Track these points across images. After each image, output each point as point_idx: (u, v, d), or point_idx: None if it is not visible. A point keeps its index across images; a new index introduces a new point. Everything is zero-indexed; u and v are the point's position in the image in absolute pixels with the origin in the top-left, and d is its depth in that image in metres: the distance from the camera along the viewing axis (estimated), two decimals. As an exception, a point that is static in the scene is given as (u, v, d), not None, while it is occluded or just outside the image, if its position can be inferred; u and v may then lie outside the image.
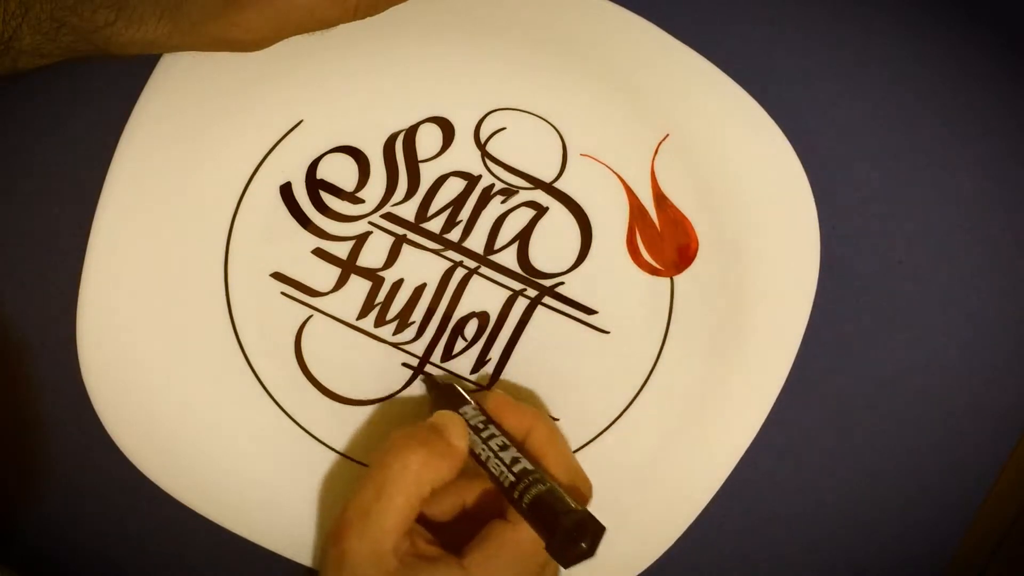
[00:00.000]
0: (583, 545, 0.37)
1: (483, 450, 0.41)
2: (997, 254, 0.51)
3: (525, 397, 0.47)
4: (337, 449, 0.46)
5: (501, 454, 0.41)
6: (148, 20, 0.41)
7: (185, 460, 0.45)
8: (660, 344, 0.48)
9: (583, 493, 0.42)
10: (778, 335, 0.48)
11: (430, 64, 0.47)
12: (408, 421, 0.46)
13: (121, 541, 0.47)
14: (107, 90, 0.46)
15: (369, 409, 0.46)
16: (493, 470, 0.41)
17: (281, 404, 0.46)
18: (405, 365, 0.47)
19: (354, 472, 0.46)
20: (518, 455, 0.41)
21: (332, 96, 0.46)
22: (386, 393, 0.47)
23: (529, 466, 0.40)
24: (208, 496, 0.45)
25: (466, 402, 0.43)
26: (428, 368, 0.47)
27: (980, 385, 0.50)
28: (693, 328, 0.48)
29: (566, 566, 0.38)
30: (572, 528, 0.37)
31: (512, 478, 0.40)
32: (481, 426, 0.42)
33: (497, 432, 0.42)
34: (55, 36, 0.40)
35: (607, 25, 0.48)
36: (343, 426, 0.46)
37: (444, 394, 0.45)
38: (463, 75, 0.47)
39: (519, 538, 0.40)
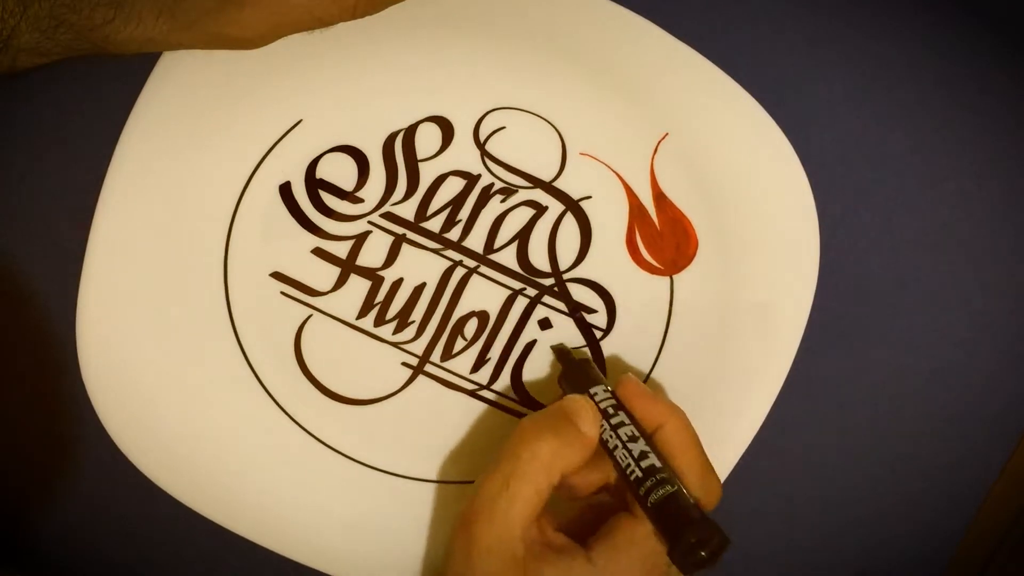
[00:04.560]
0: (704, 555, 0.37)
1: (611, 437, 0.40)
2: (997, 254, 0.51)
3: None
4: (337, 448, 0.46)
5: (629, 445, 0.40)
6: (147, 18, 0.40)
7: (185, 460, 0.45)
8: (660, 343, 0.48)
9: (711, 498, 0.41)
10: (778, 335, 0.48)
11: (429, 63, 0.47)
12: (407, 421, 0.47)
13: (121, 541, 0.47)
14: (107, 90, 0.46)
15: (369, 408, 0.46)
16: (620, 460, 0.40)
17: (281, 403, 0.46)
18: (405, 364, 0.47)
19: (354, 472, 0.46)
20: (647, 449, 0.40)
21: (331, 95, 0.46)
22: (386, 392, 0.47)
23: (657, 463, 0.39)
24: (208, 496, 0.45)
25: (598, 382, 0.42)
26: (428, 367, 0.47)
27: (980, 385, 0.50)
28: (692, 327, 0.48)
29: (686, 574, 0.38)
30: (696, 540, 0.37)
31: (639, 473, 0.39)
32: (611, 411, 0.41)
33: (627, 420, 0.41)
34: (54, 34, 0.40)
35: (606, 24, 0.48)
36: (342, 425, 0.46)
37: (576, 370, 0.44)
38: (462, 74, 0.47)
39: (646, 535, 0.40)
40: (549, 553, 0.40)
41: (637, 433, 0.40)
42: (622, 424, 0.41)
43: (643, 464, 0.39)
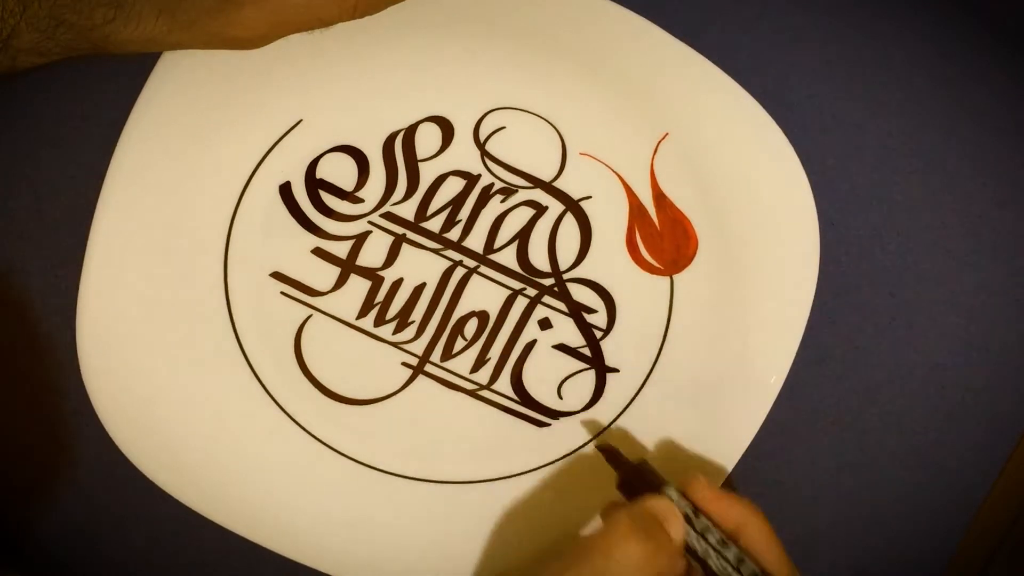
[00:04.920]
0: None
1: (699, 544, 0.38)
2: (997, 254, 0.51)
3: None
4: (336, 448, 0.46)
5: (723, 551, 0.38)
6: (146, 18, 0.40)
7: (185, 459, 0.45)
8: (660, 343, 0.48)
9: None
10: (778, 335, 0.48)
11: (429, 63, 0.47)
12: (407, 421, 0.47)
13: (121, 541, 0.47)
14: (107, 90, 0.46)
15: (369, 408, 0.46)
16: (715, 568, 0.38)
17: (281, 403, 0.46)
18: (405, 364, 0.47)
19: (354, 471, 0.46)
20: (742, 555, 0.38)
21: (331, 96, 0.46)
22: (386, 392, 0.47)
23: (758, 568, 0.38)
24: (208, 495, 0.45)
25: (663, 483, 0.40)
26: (428, 367, 0.47)
27: (980, 385, 0.50)
28: (693, 327, 0.48)
29: None
30: None
31: None
32: (691, 515, 0.39)
33: (710, 524, 0.39)
34: (53, 34, 0.40)
35: (606, 24, 0.48)
36: (342, 425, 0.46)
37: (637, 475, 0.42)
38: (462, 74, 0.47)
39: None
40: None
41: (726, 537, 0.39)
42: (707, 529, 0.39)
43: (744, 571, 0.38)
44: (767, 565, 0.39)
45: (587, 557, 0.38)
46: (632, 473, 0.42)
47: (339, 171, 0.47)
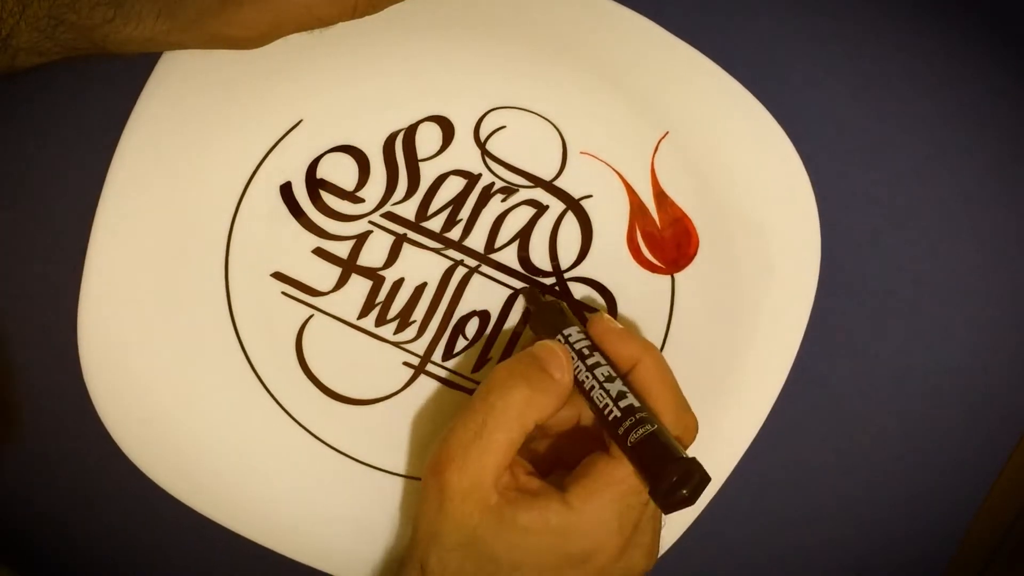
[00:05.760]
0: (685, 493, 0.37)
1: (587, 378, 0.40)
2: (997, 254, 0.51)
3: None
4: (338, 448, 0.46)
5: (607, 385, 0.40)
6: (146, 17, 0.40)
7: (185, 460, 0.45)
8: (661, 342, 0.48)
9: (689, 435, 0.41)
10: (778, 334, 0.48)
11: (429, 62, 0.47)
12: (409, 421, 0.47)
13: (121, 541, 0.47)
14: (107, 90, 0.46)
15: (370, 408, 0.46)
16: (597, 401, 0.40)
17: (282, 403, 0.46)
18: (406, 364, 0.47)
19: (356, 471, 0.46)
20: (625, 389, 0.40)
21: (331, 95, 0.46)
22: (387, 392, 0.47)
23: (636, 402, 0.39)
24: (209, 495, 0.45)
25: (571, 324, 0.42)
26: (430, 367, 0.47)
27: (980, 385, 0.50)
28: (694, 326, 0.48)
29: (667, 512, 0.38)
30: (678, 478, 0.37)
31: (618, 413, 0.39)
32: (586, 352, 0.41)
33: (603, 360, 0.41)
34: (53, 33, 0.40)
35: (607, 22, 0.48)
36: (344, 425, 0.46)
37: (547, 312, 0.43)
38: (462, 73, 0.47)
39: (623, 475, 0.40)
40: (523, 498, 0.40)
41: (614, 373, 0.40)
42: (598, 364, 0.40)
43: (621, 404, 0.39)
44: (653, 400, 0.40)
45: (471, 408, 0.40)
46: (545, 313, 0.43)
47: (340, 171, 0.47)
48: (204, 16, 0.41)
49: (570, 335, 0.42)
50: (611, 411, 0.39)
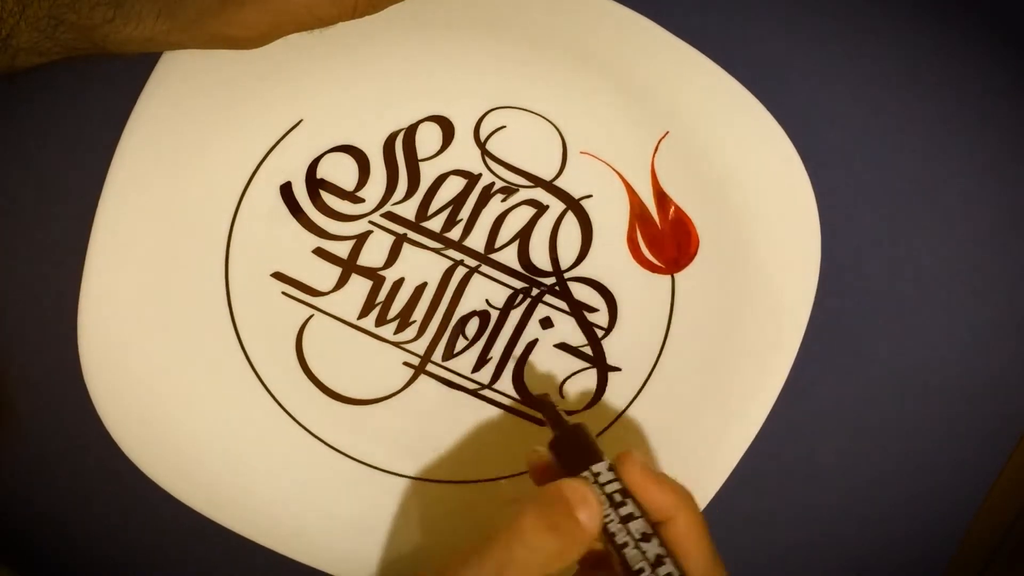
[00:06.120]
0: None
1: (619, 530, 0.36)
2: (997, 254, 0.51)
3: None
4: (338, 448, 0.46)
5: (643, 545, 0.36)
6: (146, 17, 0.40)
7: (186, 459, 0.45)
8: (661, 342, 0.48)
9: None
10: (778, 334, 0.48)
11: (429, 63, 0.47)
12: (409, 421, 0.47)
13: (121, 540, 0.47)
14: (107, 90, 0.46)
15: (370, 408, 0.46)
16: (631, 562, 0.36)
17: (282, 403, 0.46)
18: (406, 364, 0.47)
19: (356, 471, 0.46)
20: (662, 552, 0.36)
21: (332, 95, 0.46)
22: (387, 392, 0.47)
23: (675, 571, 0.35)
24: (209, 495, 0.45)
25: (599, 457, 0.38)
26: (430, 367, 0.47)
27: (980, 385, 0.50)
28: (694, 326, 0.48)
29: None
30: None
31: None
32: (618, 498, 0.37)
33: (637, 512, 0.36)
34: (53, 33, 0.40)
35: (607, 22, 0.48)
36: (344, 425, 0.46)
37: (572, 439, 0.39)
38: (463, 73, 0.47)
39: None
40: None
41: (650, 530, 0.36)
42: (632, 517, 0.36)
43: (660, 572, 0.35)
44: (689, 564, 0.36)
45: (488, 551, 0.36)
46: (567, 436, 0.39)
47: (340, 171, 0.47)
48: (204, 16, 0.41)
49: (599, 474, 0.37)
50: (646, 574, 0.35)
